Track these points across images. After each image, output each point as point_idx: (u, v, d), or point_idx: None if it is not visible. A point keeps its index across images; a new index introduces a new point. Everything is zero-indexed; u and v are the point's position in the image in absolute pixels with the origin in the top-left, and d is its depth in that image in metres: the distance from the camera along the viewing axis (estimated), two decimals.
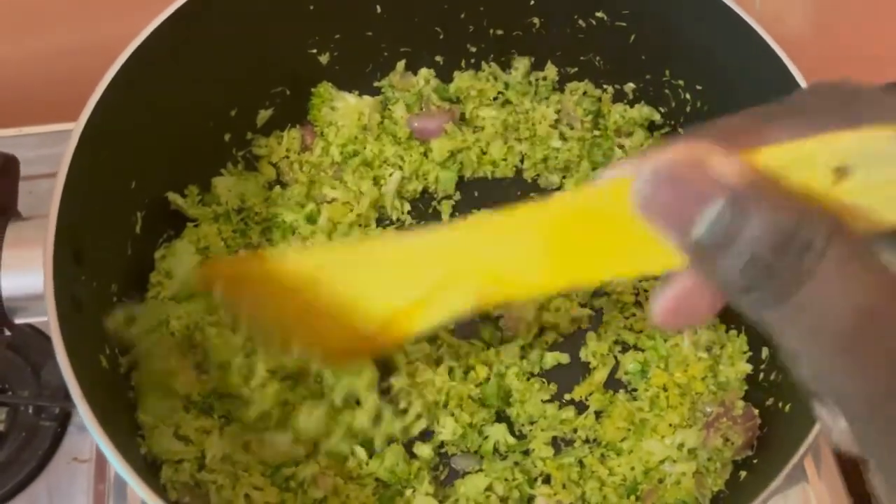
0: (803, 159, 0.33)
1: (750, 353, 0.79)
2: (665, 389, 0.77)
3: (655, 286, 0.37)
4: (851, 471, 0.89)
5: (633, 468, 0.75)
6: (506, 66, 0.92)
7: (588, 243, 0.39)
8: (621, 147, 0.89)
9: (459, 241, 0.43)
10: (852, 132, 0.33)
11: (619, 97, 0.90)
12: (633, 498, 0.74)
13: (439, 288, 0.45)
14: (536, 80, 0.92)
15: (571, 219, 0.38)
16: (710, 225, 0.31)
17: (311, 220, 0.84)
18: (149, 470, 0.67)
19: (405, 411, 0.75)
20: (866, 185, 0.33)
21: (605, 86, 0.90)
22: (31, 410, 0.86)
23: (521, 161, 0.90)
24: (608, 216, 0.37)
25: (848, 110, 0.34)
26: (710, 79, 0.82)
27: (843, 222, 0.31)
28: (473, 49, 0.90)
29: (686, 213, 0.32)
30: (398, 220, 0.87)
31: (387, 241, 0.52)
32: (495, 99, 0.91)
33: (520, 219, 0.40)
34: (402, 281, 0.46)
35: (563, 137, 0.89)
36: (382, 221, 0.87)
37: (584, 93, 0.90)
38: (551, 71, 0.91)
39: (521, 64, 0.91)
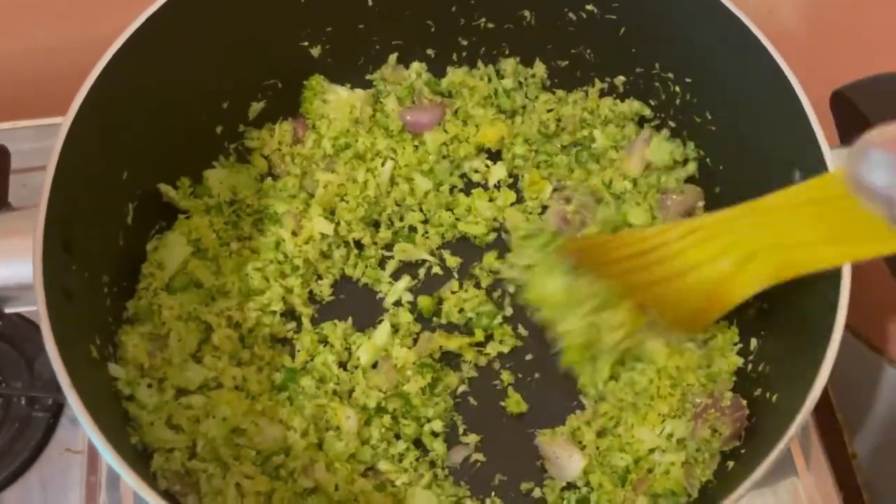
0: None
1: (740, 346, 0.79)
2: (659, 378, 0.78)
3: None
4: (841, 464, 0.89)
5: (623, 456, 0.76)
6: (496, 59, 0.92)
7: (835, 222, 0.53)
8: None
9: (740, 220, 0.64)
10: None
11: (609, 91, 0.91)
12: (626, 487, 0.75)
13: (742, 262, 0.63)
14: (525, 78, 0.92)
15: (816, 200, 0.55)
16: None
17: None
18: (139, 459, 0.68)
19: None
20: None
21: (595, 79, 0.90)
22: (23, 402, 0.86)
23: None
24: (842, 198, 0.50)
25: None
26: (700, 72, 0.82)
27: None
28: (465, 42, 0.90)
29: (892, 186, 0.37)
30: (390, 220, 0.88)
31: (701, 220, 0.71)
32: (487, 98, 0.91)
33: (777, 202, 0.61)
34: (712, 256, 0.64)
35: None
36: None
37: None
38: (539, 68, 0.91)
39: (509, 65, 0.91)
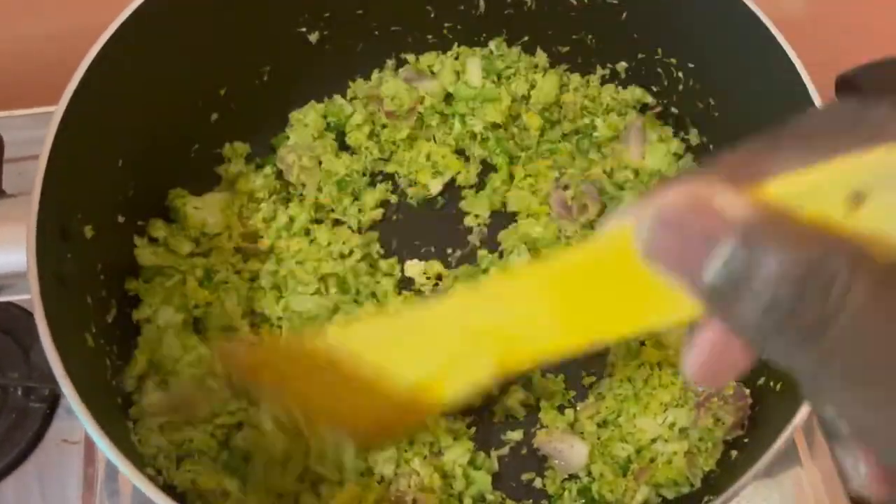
0: (815, 189, 0.30)
1: None
2: (659, 367, 0.77)
3: (683, 347, 0.35)
4: None
5: (624, 446, 0.75)
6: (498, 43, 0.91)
7: (601, 298, 0.37)
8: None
9: (471, 307, 0.42)
10: (864, 154, 0.30)
11: (612, 77, 0.90)
12: (628, 477, 0.74)
13: (459, 357, 0.44)
14: (527, 68, 0.91)
15: (579, 274, 0.37)
16: (723, 267, 0.29)
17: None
18: (135, 449, 0.67)
19: None
20: (885, 210, 0.30)
21: (597, 65, 0.89)
22: (20, 392, 0.85)
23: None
24: (617, 267, 0.35)
25: (857, 131, 0.31)
26: (703, 57, 0.81)
27: (867, 250, 0.28)
28: (463, 28, 0.89)
29: (695, 258, 0.29)
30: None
31: (402, 314, 0.50)
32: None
33: (527, 279, 0.39)
34: (421, 351, 0.45)
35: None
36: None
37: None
38: (542, 58, 0.90)
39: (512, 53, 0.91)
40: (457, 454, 0.75)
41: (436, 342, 0.44)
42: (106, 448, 0.58)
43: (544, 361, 0.41)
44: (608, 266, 0.35)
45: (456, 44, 0.91)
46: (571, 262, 0.37)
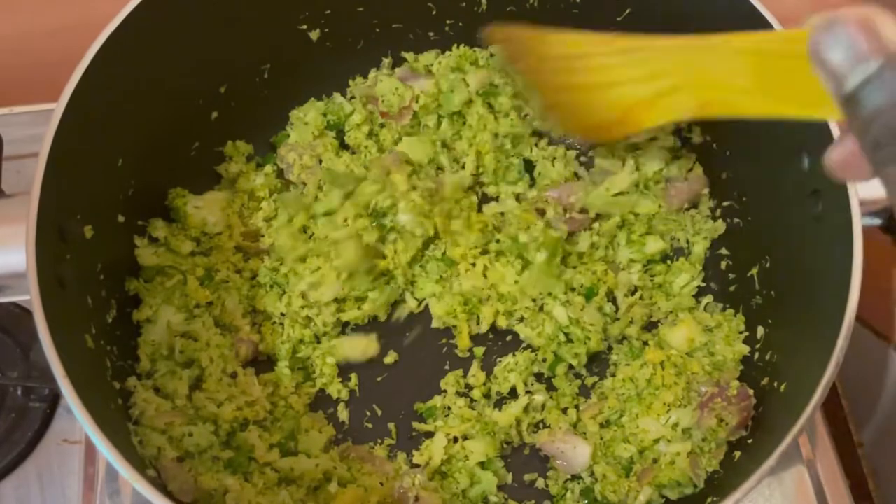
0: None
1: (746, 334, 0.78)
2: (662, 367, 0.77)
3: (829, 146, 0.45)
4: (847, 453, 0.88)
5: (627, 447, 0.74)
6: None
7: (776, 78, 0.51)
8: None
9: (680, 52, 0.59)
10: None
11: None
12: (631, 478, 0.74)
13: (667, 91, 0.60)
14: None
15: (766, 53, 0.51)
16: (863, 80, 0.36)
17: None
18: (135, 450, 0.66)
19: None
20: None
21: None
22: (19, 392, 0.85)
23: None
24: (791, 60, 0.47)
25: None
26: None
27: None
28: (465, 25, 0.88)
29: (846, 66, 0.37)
30: None
31: (640, 42, 0.64)
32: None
33: (724, 43, 0.55)
34: (640, 76, 0.61)
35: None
36: None
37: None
38: None
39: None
40: (478, 448, 0.75)
41: (653, 72, 0.60)
42: (105, 450, 0.57)
43: (731, 114, 0.57)
44: (786, 56, 0.49)
45: (456, 45, 0.90)
46: (763, 41, 0.53)
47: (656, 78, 0.63)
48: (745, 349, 0.77)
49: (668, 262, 0.84)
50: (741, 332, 0.79)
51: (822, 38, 0.38)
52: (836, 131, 0.65)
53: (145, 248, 0.78)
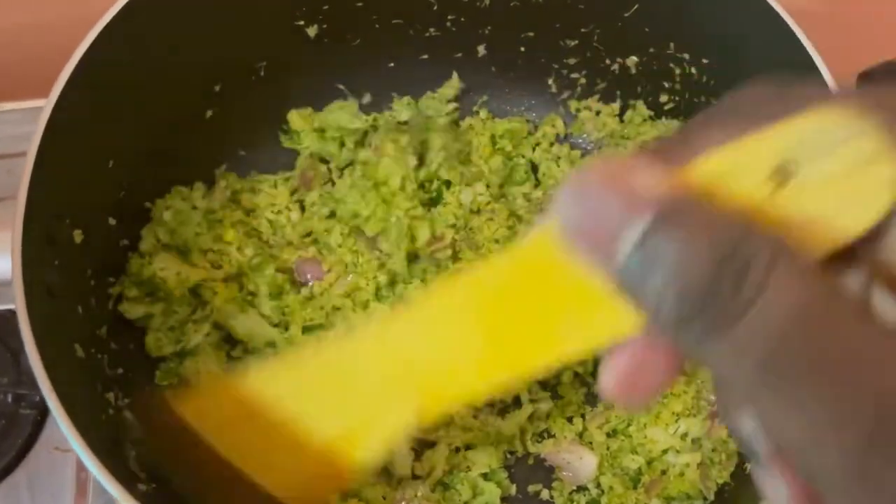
0: (738, 164, 0.28)
1: None
2: None
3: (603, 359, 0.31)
4: None
5: (635, 457, 0.72)
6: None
7: (531, 314, 0.32)
8: None
9: (389, 337, 0.35)
10: (790, 122, 0.28)
11: (622, 73, 0.86)
12: (639, 489, 0.72)
13: (377, 404, 0.37)
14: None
15: (504, 286, 0.32)
16: (635, 247, 0.27)
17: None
18: (124, 464, 0.64)
19: None
20: (813, 185, 0.28)
21: (606, 59, 0.86)
22: (10, 398, 0.82)
23: None
24: (545, 273, 0.31)
25: (786, 103, 0.29)
26: (718, 52, 0.78)
27: (788, 241, 0.27)
28: (467, 21, 0.86)
29: (608, 236, 0.27)
30: None
31: (321, 350, 0.39)
32: None
33: (446, 296, 0.33)
34: (337, 398, 0.38)
35: None
36: None
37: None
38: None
39: None
40: (481, 459, 0.73)
41: (353, 386, 0.37)
42: (93, 466, 0.56)
43: (469, 403, 0.39)
44: (535, 273, 0.31)
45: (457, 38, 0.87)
46: (495, 270, 0.32)
47: (353, 400, 0.38)
48: None
49: None
50: None
51: (568, 214, 0.28)
52: None
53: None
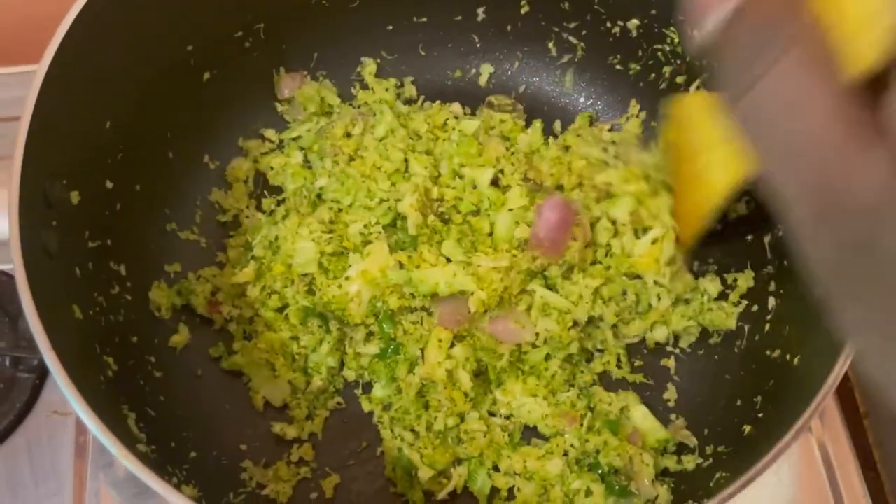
0: None
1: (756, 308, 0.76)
2: None
3: None
4: (853, 422, 0.87)
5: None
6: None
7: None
8: None
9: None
10: None
11: (623, 35, 0.85)
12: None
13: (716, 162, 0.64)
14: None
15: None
16: (715, 24, 0.37)
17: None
18: (123, 422, 0.64)
19: None
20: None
21: (607, 22, 0.85)
22: (8, 362, 0.82)
23: None
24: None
25: None
26: None
27: (815, 33, 0.35)
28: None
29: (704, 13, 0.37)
30: None
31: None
32: None
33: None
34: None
35: None
36: None
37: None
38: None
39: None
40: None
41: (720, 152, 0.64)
42: (93, 425, 0.55)
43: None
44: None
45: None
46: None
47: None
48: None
49: None
50: (738, 304, 0.77)
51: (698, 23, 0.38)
52: None
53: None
